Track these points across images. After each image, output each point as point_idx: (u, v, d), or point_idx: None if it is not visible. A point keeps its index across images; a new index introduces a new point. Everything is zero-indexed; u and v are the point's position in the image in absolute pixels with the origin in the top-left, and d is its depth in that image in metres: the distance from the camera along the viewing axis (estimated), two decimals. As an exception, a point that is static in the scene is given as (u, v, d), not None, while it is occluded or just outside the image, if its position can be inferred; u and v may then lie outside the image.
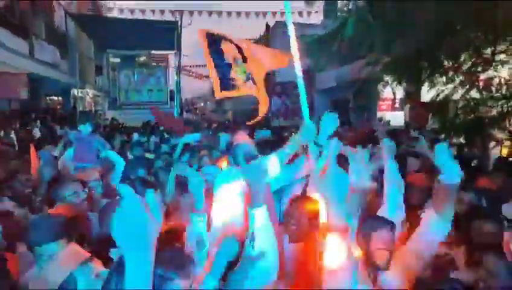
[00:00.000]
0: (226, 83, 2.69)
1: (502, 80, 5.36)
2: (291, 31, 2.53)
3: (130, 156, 5.04)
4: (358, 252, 1.69)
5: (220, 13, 17.91)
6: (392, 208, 2.12)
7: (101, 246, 1.75)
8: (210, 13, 17.87)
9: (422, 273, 1.83)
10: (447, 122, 5.91)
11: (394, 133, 6.46)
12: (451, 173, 1.79)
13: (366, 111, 11.88)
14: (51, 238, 1.71)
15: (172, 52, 18.41)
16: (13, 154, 4.95)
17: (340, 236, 1.53)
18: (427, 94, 6.65)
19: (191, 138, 5.25)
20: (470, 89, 5.55)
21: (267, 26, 19.06)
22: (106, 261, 1.71)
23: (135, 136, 7.70)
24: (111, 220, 1.83)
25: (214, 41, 2.74)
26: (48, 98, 15.49)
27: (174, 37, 15.86)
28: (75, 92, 16.15)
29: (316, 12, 13.68)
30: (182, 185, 2.57)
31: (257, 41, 22.84)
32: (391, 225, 1.76)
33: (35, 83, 11.66)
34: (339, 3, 6.68)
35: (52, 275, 1.65)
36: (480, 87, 5.54)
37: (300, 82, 2.56)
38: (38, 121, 9.48)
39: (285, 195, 2.39)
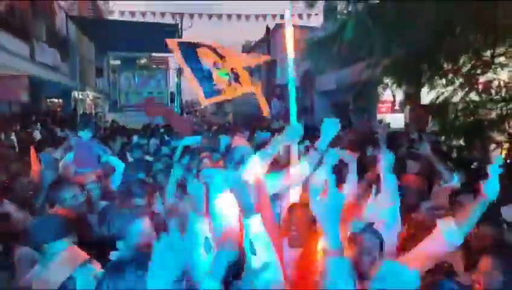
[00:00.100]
0: (210, 89, 2.67)
1: (502, 82, 5.37)
2: (289, 31, 2.53)
3: (130, 159, 5.06)
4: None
5: (220, 16, 17.95)
6: (389, 219, 2.12)
7: (100, 248, 1.76)
8: (210, 16, 17.91)
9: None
10: (446, 124, 5.92)
11: (394, 136, 6.47)
12: (493, 192, 1.79)
13: (366, 113, 11.88)
14: (56, 236, 1.72)
15: (173, 54, 18.44)
16: (14, 156, 4.97)
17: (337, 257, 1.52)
18: (426, 96, 6.66)
19: (191, 140, 5.26)
20: (469, 91, 5.56)
21: (268, 28, 19.12)
22: (105, 263, 1.71)
23: (135, 138, 7.71)
24: (113, 224, 1.85)
25: (188, 50, 2.73)
26: (48, 100, 15.51)
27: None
28: (75, 94, 16.19)
29: (316, 14, 13.69)
30: (182, 188, 2.58)
31: (258, 44, 22.92)
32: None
33: (36, 85, 11.69)
34: (339, 6, 6.69)
35: (53, 275, 1.66)
36: (480, 90, 5.55)
37: (292, 83, 2.56)
38: (39, 124, 9.50)
39: (282, 199, 2.39)
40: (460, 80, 5.63)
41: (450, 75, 5.72)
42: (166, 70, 24.47)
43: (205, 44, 2.76)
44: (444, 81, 5.81)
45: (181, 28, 16.13)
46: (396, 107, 11.53)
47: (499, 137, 5.57)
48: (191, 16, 17.36)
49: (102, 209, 2.09)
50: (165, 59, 25.72)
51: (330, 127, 2.34)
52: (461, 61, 5.60)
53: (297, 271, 1.95)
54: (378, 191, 2.65)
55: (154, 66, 25.88)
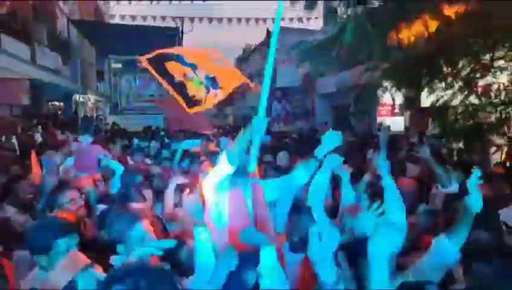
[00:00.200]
0: (189, 100, 2.67)
1: (501, 85, 5.38)
2: (276, 33, 2.41)
3: (130, 161, 5.07)
4: None
5: (220, 20, 18.02)
6: (398, 222, 2.12)
7: (99, 252, 1.77)
8: (210, 20, 17.98)
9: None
10: (446, 127, 5.93)
11: (394, 139, 6.48)
12: (476, 205, 1.84)
13: (367, 116, 11.91)
14: (55, 236, 1.73)
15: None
16: (14, 159, 4.99)
17: None
18: (426, 100, 6.67)
19: (191, 143, 5.28)
20: (468, 94, 5.57)
21: (268, 32, 19.17)
22: (105, 266, 1.72)
23: (136, 141, 7.73)
24: (113, 227, 1.86)
25: (159, 65, 2.72)
26: (49, 103, 15.55)
27: (175, 43, 15.94)
28: (76, 97, 16.23)
29: (316, 18, 13.74)
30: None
31: (258, 47, 22.98)
32: None
33: (37, 88, 11.73)
34: (339, 10, 6.72)
35: (55, 279, 1.67)
36: (479, 93, 5.57)
37: (269, 71, 2.28)
38: (40, 127, 9.52)
39: (279, 205, 2.38)
40: (460, 83, 5.64)
41: (450, 79, 5.74)
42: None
43: (173, 54, 2.74)
44: (443, 84, 5.82)
45: (182, 32, 16.17)
46: (396, 110, 11.55)
47: (499, 140, 5.58)
48: (192, 19, 17.43)
49: (101, 212, 2.10)
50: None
51: (331, 139, 2.32)
52: (460, 64, 5.62)
53: (299, 275, 1.96)
54: (374, 194, 2.67)
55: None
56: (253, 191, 2.04)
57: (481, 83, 5.59)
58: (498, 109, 5.30)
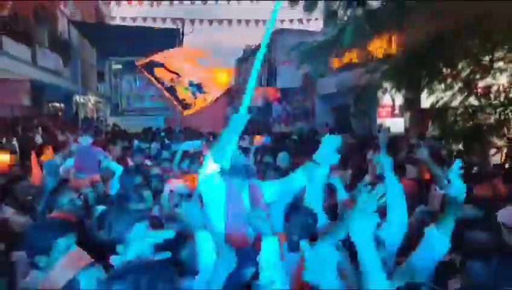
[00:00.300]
0: (181, 103, 2.74)
1: (500, 87, 5.39)
2: (267, 35, 2.41)
3: (130, 163, 5.07)
4: None
5: (220, 21, 18.05)
6: (399, 219, 2.13)
7: (99, 252, 1.77)
8: (211, 22, 18.01)
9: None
10: (446, 129, 5.94)
11: (394, 141, 6.49)
12: (459, 192, 1.89)
13: (367, 117, 11.92)
14: (54, 236, 1.73)
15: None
16: (15, 161, 5.00)
17: None
18: (426, 101, 6.68)
19: (191, 144, 5.28)
20: (468, 96, 5.58)
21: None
22: (105, 267, 1.73)
23: (136, 142, 7.74)
24: (113, 228, 1.87)
25: (151, 71, 2.80)
26: (50, 104, 15.58)
27: (176, 45, 15.97)
28: (77, 98, 16.25)
29: (316, 19, 13.75)
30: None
31: (258, 48, 22.96)
32: None
33: (37, 89, 11.76)
34: (339, 12, 6.75)
35: (55, 278, 1.67)
36: (479, 95, 5.58)
37: (262, 53, 2.30)
38: (40, 128, 9.54)
39: (274, 206, 2.39)
40: (460, 84, 5.65)
41: (449, 80, 5.75)
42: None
43: (159, 61, 2.81)
44: (443, 85, 5.84)
45: (182, 33, 16.21)
46: (396, 112, 11.56)
47: (499, 142, 5.58)
48: (192, 21, 17.46)
49: (101, 213, 2.11)
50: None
51: (331, 143, 2.32)
52: (460, 66, 5.63)
53: (297, 276, 1.96)
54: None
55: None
56: (251, 191, 2.06)
57: (481, 84, 5.61)
58: (497, 110, 5.31)
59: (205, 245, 1.82)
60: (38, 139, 8.28)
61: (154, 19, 17.49)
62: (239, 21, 17.82)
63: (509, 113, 5.24)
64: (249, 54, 23.99)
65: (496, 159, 5.87)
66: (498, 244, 2.08)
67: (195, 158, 4.33)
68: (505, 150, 5.61)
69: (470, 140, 5.52)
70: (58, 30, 14.67)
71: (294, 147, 7.00)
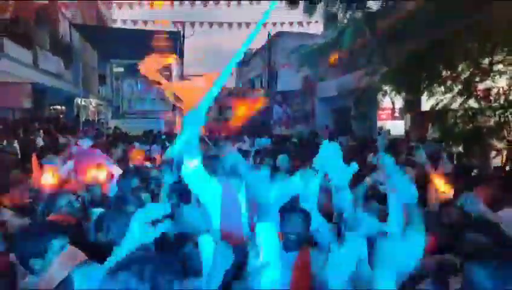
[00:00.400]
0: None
1: (500, 89, 5.39)
2: (253, 34, 2.54)
3: (131, 165, 5.08)
4: None
5: (220, 24, 18.12)
6: (395, 220, 2.14)
7: (96, 254, 1.77)
8: (211, 24, 18.07)
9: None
10: (446, 131, 5.94)
11: (394, 143, 6.49)
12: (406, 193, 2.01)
13: (367, 119, 11.92)
14: (54, 235, 1.74)
15: (175, 61, 18.57)
16: (15, 163, 5.02)
17: None
18: (426, 103, 6.68)
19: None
20: (468, 98, 5.58)
21: (269, 35, 19.26)
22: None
23: (137, 145, 7.75)
24: (111, 230, 1.87)
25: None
26: (51, 107, 15.63)
27: (177, 47, 16.05)
28: (78, 101, 16.30)
29: (316, 22, 13.79)
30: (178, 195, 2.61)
31: (258, 51, 23.09)
32: None
33: (39, 92, 11.79)
34: (339, 15, 6.77)
35: (50, 276, 1.67)
36: (479, 97, 5.58)
37: (229, 69, 2.37)
38: (41, 130, 9.57)
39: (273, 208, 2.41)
40: (459, 87, 5.65)
41: (449, 82, 5.75)
42: (168, 77, 24.60)
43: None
44: (442, 88, 5.84)
45: (183, 36, 16.27)
46: (396, 114, 11.55)
47: (499, 144, 5.58)
48: (192, 24, 17.53)
49: (99, 215, 2.12)
50: (167, 66, 25.87)
51: (330, 150, 2.36)
52: (460, 68, 5.64)
53: (293, 274, 1.97)
54: (375, 197, 2.68)
55: (157, 73, 25.98)
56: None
57: (480, 86, 5.61)
58: (497, 112, 5.30)
59: (207, 248, 1.83)
60: (40, 142, 8.31)
61: (155, 22, 17.56)
62: (239, 24, 17.88)
63: (509, 116, 5.23)
64: (250, 56, 24.06)
65: (496, 161, 5.87)
66: (498, 246, 2.08)
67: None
68: (505, 153, 5.60)
69: (470, 142, 5.52)
70: (60, 33, 14.73)
71: (294, 150, 7.01)
